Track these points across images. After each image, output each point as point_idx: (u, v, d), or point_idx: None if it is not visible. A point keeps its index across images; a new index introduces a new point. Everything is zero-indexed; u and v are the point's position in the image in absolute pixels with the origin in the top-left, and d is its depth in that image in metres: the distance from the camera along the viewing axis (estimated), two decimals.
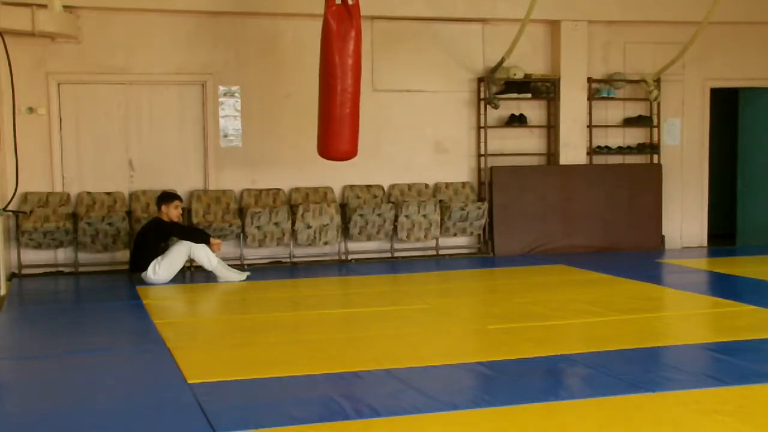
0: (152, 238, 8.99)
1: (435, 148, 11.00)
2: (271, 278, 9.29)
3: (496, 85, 11.03)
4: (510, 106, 11.08)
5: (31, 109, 9.68)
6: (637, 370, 5.22)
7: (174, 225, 9.07)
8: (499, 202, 10.94)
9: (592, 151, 11.35)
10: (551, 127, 11.28)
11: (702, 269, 9.95)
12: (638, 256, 10.75)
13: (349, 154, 8.99)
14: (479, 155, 11.05)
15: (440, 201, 10.69)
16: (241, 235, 9.98)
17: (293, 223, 10.05)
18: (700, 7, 10.49)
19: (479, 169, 11.08)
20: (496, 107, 10.85)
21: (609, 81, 11.35)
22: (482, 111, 10.99)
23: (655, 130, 11.54)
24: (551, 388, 4.99)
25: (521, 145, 11.23)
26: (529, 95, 11.12)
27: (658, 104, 11.44)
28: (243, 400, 4.72)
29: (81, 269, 9.75)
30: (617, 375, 5.09)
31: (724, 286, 8.89)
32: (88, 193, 9.88)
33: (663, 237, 11.54)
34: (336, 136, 8.77)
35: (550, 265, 10.00)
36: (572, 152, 11.18)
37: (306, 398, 4.76)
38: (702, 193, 11.89)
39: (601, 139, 11.47)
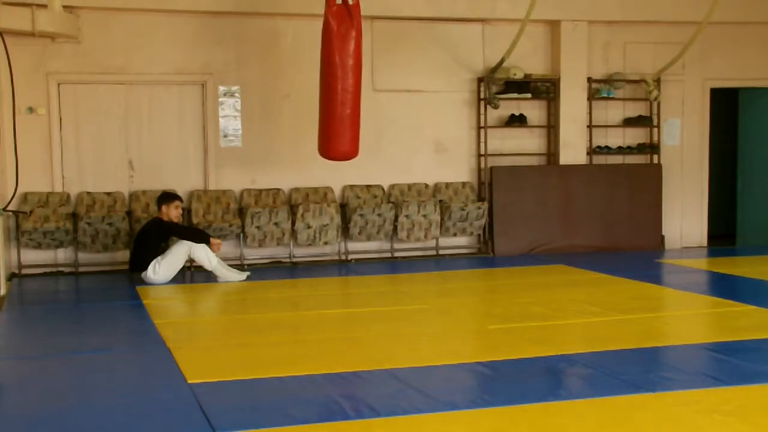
0: (152, 238, 8.99)
1: (435, 148, 11.00)
2: (271, 278, 9.29)
3: (496, 85, 11.04)
4: (510, 106, 11.08)
5: (31, 109, 9.68)
6: (637, 370, 5.22)
7: (174, 225, 9.07)
8: (499, 202, 10.94)
9: (592, 151, 11.35)
10: (551, 127, 11.28)
11: (702, 269, 9.94)
12: (638, 256, 10.74)
13: (350, 154, 8.99)
14: (479, 155, 11.05)
15: (440, 201, 10.69)
16: (241, 235, 9.98)
17: (293, 223, 10.05)
18: (700, 7, 10.48)
19: (479, 169, 11.08)
20: (496, 107, 10.86)
21: (609, 81, 11.35)
22: (482, 111, 10.99)
23: (655, 130, 11.54)
24: (551, 388, 4.99)
25: (521, 145, 11.23)
26: (529, 95, 11.12)
27: (658, 104, 11.44)
28: (243, 400, 4.72)
29: (81, 269, 9.75)
30: (617, 375, 5.09)
31: (724, 286, 8.88)
32: (88, 193, 9.88)
33: (663, 237, 11.54)
34: (337, 137, 8.77)
35: (550, 265, 9.99)
36: (572, 152, 11.18)
37: (306, 398, 4.76)
38: (702, 193, 11.89)
39: (601, 139, 11.47)
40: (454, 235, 10.81)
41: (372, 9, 9.91)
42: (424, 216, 10.48)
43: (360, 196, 10.61)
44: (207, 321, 7.53)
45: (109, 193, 9.93)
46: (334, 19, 8.49)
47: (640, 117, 11.54)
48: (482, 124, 11.00)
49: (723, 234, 12.40)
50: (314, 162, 9.58)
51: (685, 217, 11.81)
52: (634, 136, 11.62)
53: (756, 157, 12.11)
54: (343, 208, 10.45)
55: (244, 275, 9.15)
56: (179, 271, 9.10)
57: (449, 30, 10.91)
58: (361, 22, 8.68)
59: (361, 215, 10.26)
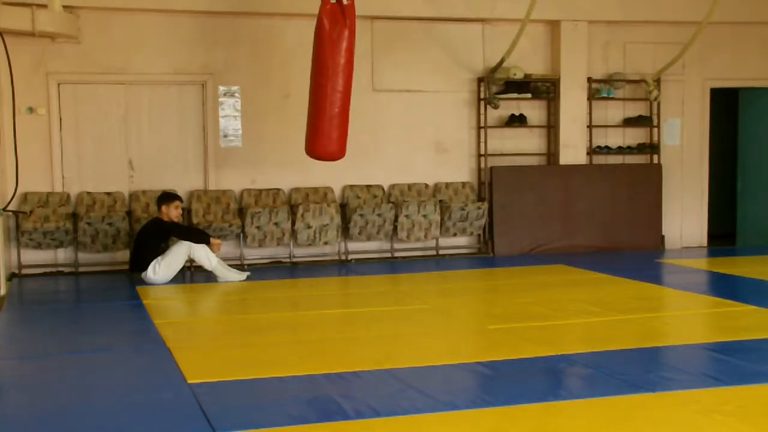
0: (152, 238, 8.99)
1: (435, 148, 11.00)
2: (271, 278, 9.29)
3: (496, 85, 11.04)
4: (510, 106, 11.08)
5: (31, 109, 9.68)
6: (637, 370, 5.22)
7: (174, 225, 9.07)
8: (499, 202, 10.94)
9: (592, 151, 11.35)
10: (551, 127, 11.28)
11: (702, 269, 9.94)
12: (638, 256, 10.74)
13: (337, 154, 8.79)
14: (479, 155, 11.05)
15: (440, 201, 10.69)
16: (241, 235, 9.98)
17: (293, 223, 10.05)
18: (700, 7, 10.48)
19: (479, 169, 11.08)
20: (496, 107, 10.85)
21: (609, 81, 11.35)
22: (482, 111, 10.98)
23: (655, 130, 11.54)
24: (551, 388, 4.99)
25: (521, 145, 11.23)
26: (529, 95, 11.12)
27: (658, 104, 11.44)
28: (243, 400, 4.72)
29: (81, 269, 9.75)
30: (617, 375, 5.09)
31: (724, 286, 8.88)
32: (88, 193, 9.88)
33: (663, 237, 11.54)
34: (324, 136, 8.63)
35: (550, 265, 9.99)
36: (572, 152, 11.18)
37: (306, 398, 4.77)
38: (702, 193, 11.89)
39: (601, 139, 11.47)
40: (454, 235, 10.81)
41: (372, 9, 9.92)
42: (424, 216, 10.48)
43: (360, 196, 10.61)
44: (207, 321, 7.53)
45: (109, 193, 9.93)
46: (327, 18, 8.44)
47: (640, 117, 11.54)
48: (482, 124, 11.00)
49: (723, 234, 12.40)
50: (314, 162, 9.54)
51: (685, 217, 11.82)
52: (634, 136, 11.62)
53: (756, 157, 12.11)
54: (343, 208, 10.45)
55: (244, 275, 9.15)
56: (179, 271, 9.11)
57: (449, 30, 10.90)
58: (355, 22, 8.55)
59: (361, 215, 10.26)
